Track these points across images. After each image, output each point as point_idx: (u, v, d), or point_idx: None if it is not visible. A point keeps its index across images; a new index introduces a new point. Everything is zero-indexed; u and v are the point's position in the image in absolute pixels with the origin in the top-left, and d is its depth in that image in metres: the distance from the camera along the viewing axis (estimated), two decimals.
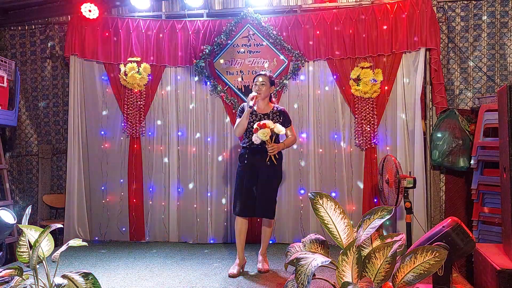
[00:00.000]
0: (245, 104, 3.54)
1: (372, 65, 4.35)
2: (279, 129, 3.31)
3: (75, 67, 4.70)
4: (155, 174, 4.69)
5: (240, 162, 3.53)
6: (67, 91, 4.85)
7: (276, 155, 3.43)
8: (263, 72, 3.61)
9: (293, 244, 2.33)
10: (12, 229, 3.84)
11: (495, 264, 2.82)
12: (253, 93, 3.43)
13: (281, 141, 3.48)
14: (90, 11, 4.43)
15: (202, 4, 4.58)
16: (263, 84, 3.47)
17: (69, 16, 4.83)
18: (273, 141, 3.35)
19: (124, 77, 4.64)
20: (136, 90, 4.67)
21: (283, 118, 3.49)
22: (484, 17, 4.42)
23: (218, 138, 4.63)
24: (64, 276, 2.12)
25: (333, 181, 4.44)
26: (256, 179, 3.42)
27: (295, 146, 4.42)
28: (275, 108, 3.53)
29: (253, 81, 3.56)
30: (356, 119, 4.41)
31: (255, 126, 3.30)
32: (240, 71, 4.58)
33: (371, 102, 4.36)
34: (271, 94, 3.59)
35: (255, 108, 3.48)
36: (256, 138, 3.28)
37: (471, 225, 4.04)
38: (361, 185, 4.40)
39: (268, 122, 3.29)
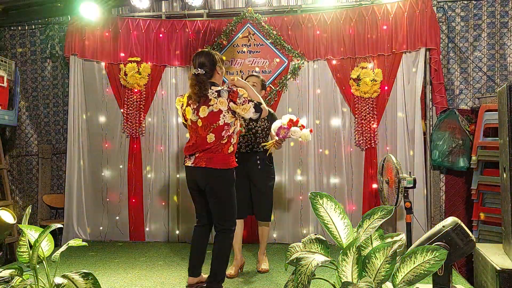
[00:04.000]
0: None
1: (372, 65, 4.36)
2: (307, 137, 3.10)
3: (75, 67, 4.70)
4: (155, 174, 4.69)
5: None
6: (67, 91, 4.84)
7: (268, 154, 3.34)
8: (256, 74, 3.50)
9: (293, 244, 2.33)
10: (12, 229, 3.84)
11: (495, 264, 2.82)
12: None
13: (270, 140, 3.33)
14: (90, 11, 4.42)
15: (202, 4, 4.58)
16: (254, 86, 3.25)
17: (69, 16, 4.83)
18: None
19: (124, 77, 4.64)
20: (136, 90, 4.67)
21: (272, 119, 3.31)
22: (484, 17, 4.42)
23: None
24: (64, 276, 2.12)
25: (333, 181, 4.44)
26: (249, 183, 3.38)
27: (293, 144, 4.42)
28: None
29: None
30: (356, 119, 4.41)
31: (288, 118, 3.08)
32: (240, 71, 4.58)
33: (371, 102, 4.36)
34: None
35: None
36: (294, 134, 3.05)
37: (471, 225, 4.04)
38: (361, 185, 4.40)
39: (299, 128, 3.07)
